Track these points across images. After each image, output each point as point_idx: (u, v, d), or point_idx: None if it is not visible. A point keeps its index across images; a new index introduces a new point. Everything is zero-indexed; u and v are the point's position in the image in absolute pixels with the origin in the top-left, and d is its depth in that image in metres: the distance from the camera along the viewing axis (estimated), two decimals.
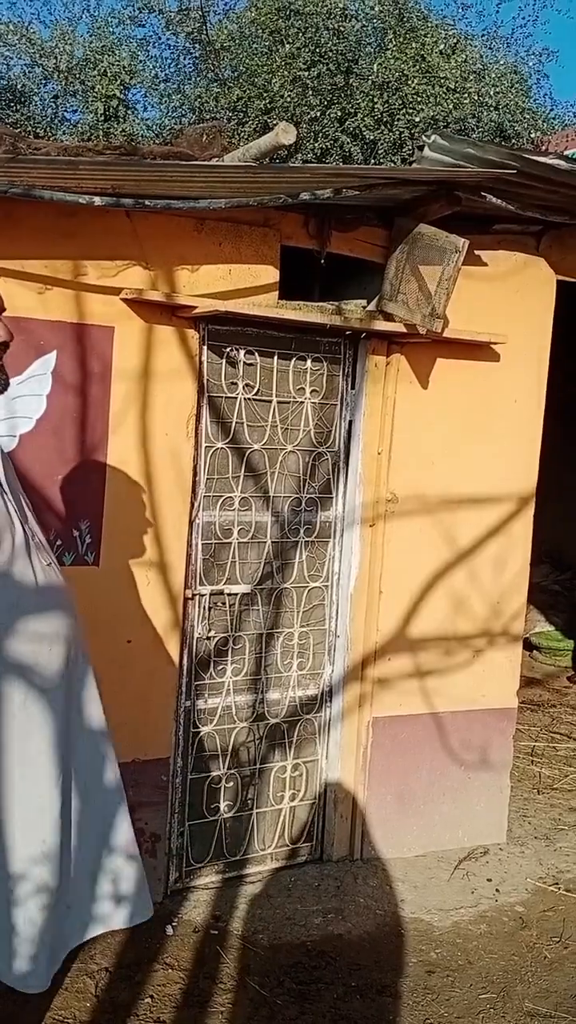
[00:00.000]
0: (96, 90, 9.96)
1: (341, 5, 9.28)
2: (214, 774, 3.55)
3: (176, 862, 3.49)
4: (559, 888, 3.75)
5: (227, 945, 3.20)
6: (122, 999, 2.88)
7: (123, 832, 2.48)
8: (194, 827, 3.53)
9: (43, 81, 10.82)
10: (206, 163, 3.30)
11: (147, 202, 2.98)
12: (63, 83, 10.53)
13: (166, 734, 3.40)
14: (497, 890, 3.72)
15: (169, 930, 3.25)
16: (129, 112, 10.44)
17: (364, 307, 3.61)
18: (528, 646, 6.95)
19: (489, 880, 3.79)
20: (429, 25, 9.46)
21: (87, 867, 2.41)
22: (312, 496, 3.67)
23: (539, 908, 3.60)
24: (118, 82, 10.05)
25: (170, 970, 3.04)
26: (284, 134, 2.86)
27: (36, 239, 3.03)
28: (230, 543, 3.50)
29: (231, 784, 3.59)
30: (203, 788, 3.53)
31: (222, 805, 3.58)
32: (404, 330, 3.47)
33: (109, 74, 9.98)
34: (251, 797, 3.65)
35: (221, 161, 3.37)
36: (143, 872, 2.52)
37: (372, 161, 8.46)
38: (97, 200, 2.89)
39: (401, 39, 9.24)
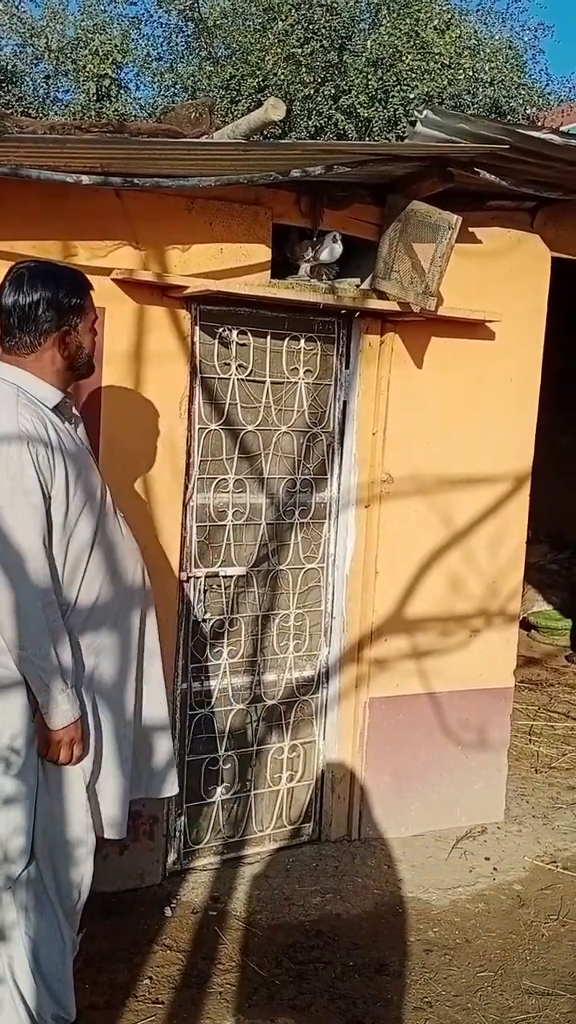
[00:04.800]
0: (88, 69, 9.86)
1: None
2: (212, 756, 3.55)
3: (174, 844, 3.50)
4: (557, 866, 3.76)
5: (226, 926, 3.21)
6: (120, 980, 2.89)
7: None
8: (192, 809, 3.53)
9: (34, 61, 10.70)
10: (196, 140, 3.26)
11: (136, 180, 2.94)
12: (54, 63, 10.41)
13: None
14: (495, 869, 3.73)
15: (168, 912, 3.26)
16: (121, 91, 10.33)
17: (358, 286, 3.58)
18: (526, 625, 6.95)
19: (487, 859, 3.80)
20: (423, 0, 9.35)
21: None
22: (307, 477, 3.65)
23: (537, 886, 3.61)
24: (110, 61, 9.94)
25: (168, 951, 3.05)
26: (273, 110, 2.82)
27: (24, 219, 3.00)
28: (225, 525, 3.48)
29: (229, 766, 3.59)
30: (201, 770, 3.53)
31: (220, 787, 3.58)
32: (398, 308, 3.44)
33: (101, 53, 9.87)
34: (249, 779, 3.65)
35: (211, 138, 3.33)
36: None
37: (367, 138, 8.39)
38: (85, 179, 2.85)
39: (395, 15, 9.15)
